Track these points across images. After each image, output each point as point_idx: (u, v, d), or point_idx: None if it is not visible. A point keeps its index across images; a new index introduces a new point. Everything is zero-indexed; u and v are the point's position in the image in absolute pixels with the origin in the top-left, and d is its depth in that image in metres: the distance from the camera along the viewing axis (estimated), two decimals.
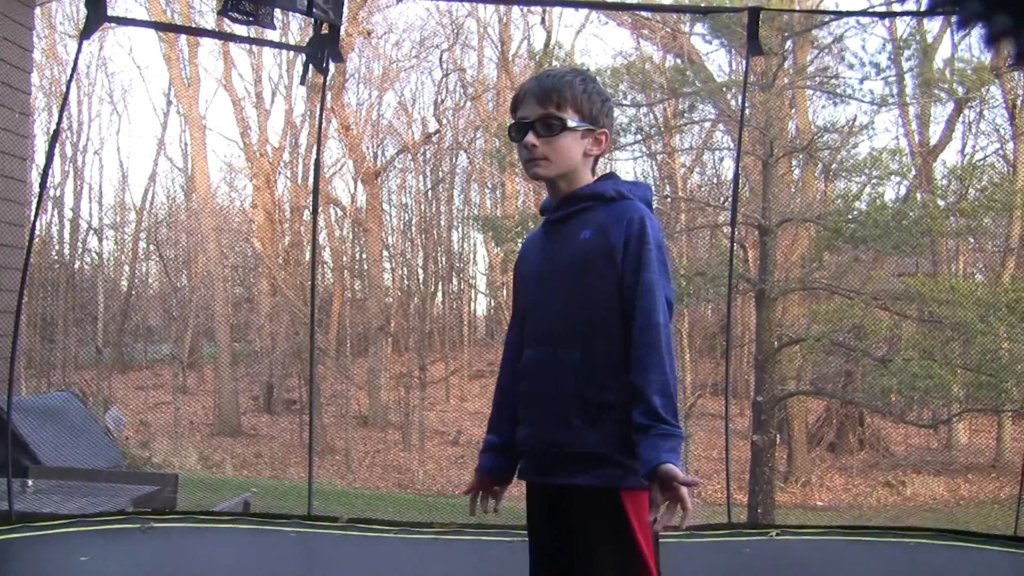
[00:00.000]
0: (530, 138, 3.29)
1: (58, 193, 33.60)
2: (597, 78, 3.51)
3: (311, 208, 13.09)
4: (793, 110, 20.79)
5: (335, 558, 8.06)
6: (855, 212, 17.67)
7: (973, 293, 17.26)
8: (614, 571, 3.11)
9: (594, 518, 3.12)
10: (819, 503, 22.42)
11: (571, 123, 3.28)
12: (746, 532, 9.62)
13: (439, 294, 36.34)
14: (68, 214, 35.14)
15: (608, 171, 3.50)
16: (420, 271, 34.57)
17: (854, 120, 18.38)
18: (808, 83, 19.26)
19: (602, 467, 3.08)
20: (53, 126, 24.92)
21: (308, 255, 25.80)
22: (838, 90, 18.28)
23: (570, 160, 3.33)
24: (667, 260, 3.17)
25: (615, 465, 3.06)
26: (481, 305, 38.20)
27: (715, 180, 24.84)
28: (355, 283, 35.75)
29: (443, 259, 35.71)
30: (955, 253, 24.56)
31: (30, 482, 9.96)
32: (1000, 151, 24.24)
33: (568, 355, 3.16)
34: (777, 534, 9.40)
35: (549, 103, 3.29)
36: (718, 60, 38.85)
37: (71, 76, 11.18)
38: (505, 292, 30.86)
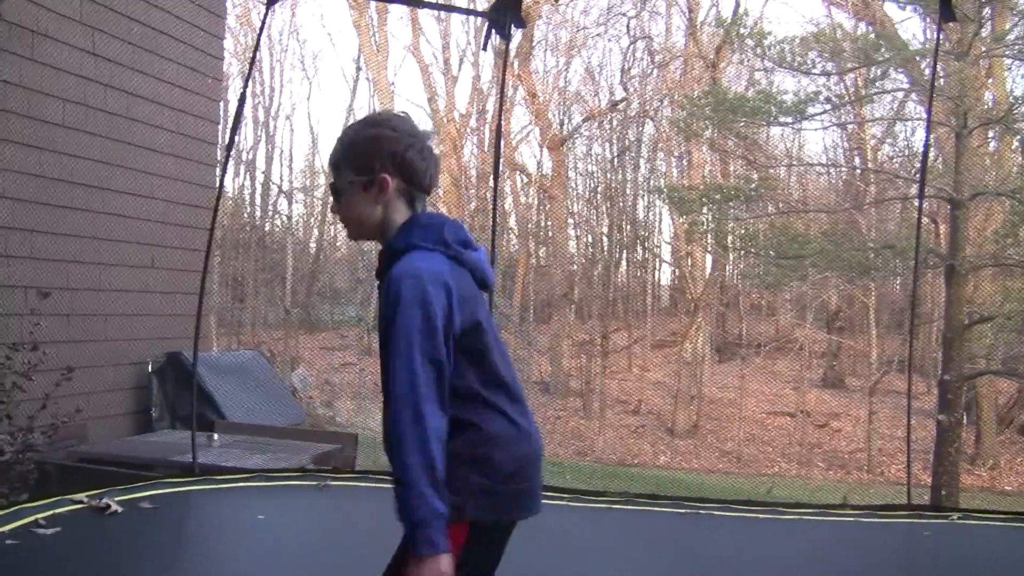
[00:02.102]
0: (332, 208, 3.33)
1: (250, 157, 34.45)
2: (379, 120, 3.33)
3: (493, 173, 13.11)
4: (990, 80, 20.13)
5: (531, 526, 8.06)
6: None
7: None
8: None
9: None
10: (1007, 488, 21.82)
11: (348, 179, 3.23)
12: (926, 514, 9.37)
13: (623, 263, 36.28)
14: (260, 177, 35.96)
15: (416, 214, 3.28)
16: (604, 239, 34.55)
17: None
18: (1007, 51, 18.61)
19: None
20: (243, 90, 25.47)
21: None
22: None
23: (363, 218, 3.26)
24: (430, 315, 2.95)
25: None
26: (665, 274, 38.03)
27: (907, 152, 24.19)
28: (540, 250, 35.88)
29: (627, 227, 35.56)
30: None
31: (215, 436, 10.21)
32: None
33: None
34: (959, 518, 9.15)
35: (333, 170, 3.28)
36: (912, 28, 37.99)
37: (258, 39, 11.39)
38: (690, 261, 30.63)
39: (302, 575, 6.21)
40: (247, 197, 35.99)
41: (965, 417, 19.79)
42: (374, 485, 8.71)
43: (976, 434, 23.30)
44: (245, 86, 15.34)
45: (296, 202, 38.74)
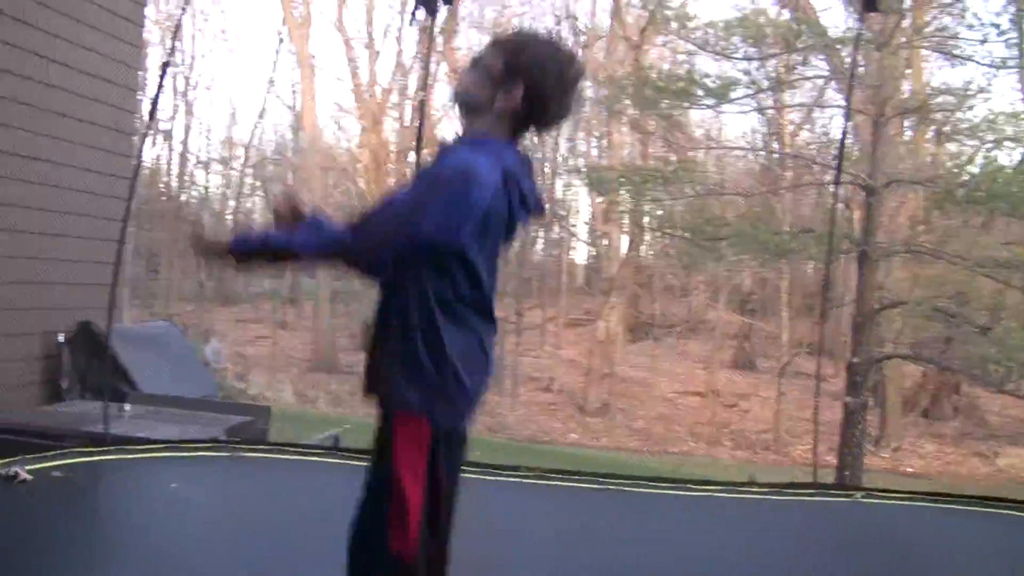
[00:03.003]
0: (462, 69, 3.48)
1: (168, 127, 34.05)
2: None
3: (415, 148, 13.12)
4: (908, 70, 20.41)
5: None
6: (967, 176, 17.37)
7: None
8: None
9: None
10: (909, 469, 22.25)
11: (492, 62, 3.27)
12: (831, 493, 9.57)
13: (539, 241, 36.31)
14: (178, 147, 35.63)
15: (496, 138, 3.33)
16: None
17: (970, 82, 17.99)
18: (925, 43, 18.89)
19: None
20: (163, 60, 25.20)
21: None
22: (956, 51, 17.94)
23: (472, 99, 3.32)
24: (452, 190, 3.03)
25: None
26: (581, 254, 38.18)
27: (824, 138, 24.50)
28: None
29: (545, 206, 35.67)
30: None
31: (127, 407, 10.14)
32: None
33: None
34: (862, 497, 9.34)
35: (493, 46, 3.36)
36: (834, 17, 38.35)
37: (183, 9, 11.31)
38: (607, 241, 30.81)
39: (215, 544, 6.22)
40: (164, 167, 35.65)
41: (871, 400, 20.13)
42: (286, 457, 8.73)
43: (881, 417, 23.70)
44: (169, 55, 15.22)
45: (213, 173, 38.42)
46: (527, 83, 3.20)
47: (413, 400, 3.13)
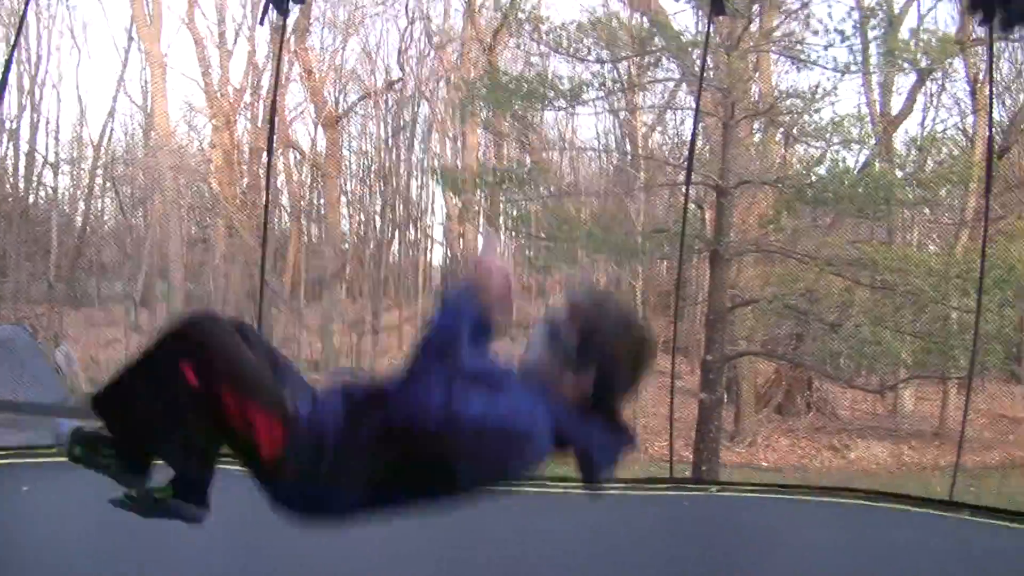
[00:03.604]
0: None
1: (14, 126, 33.23)
2: None
3: (267, 149, 13.07)
4: (757, 73, 20.81)
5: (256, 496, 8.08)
6: (815, 177, 17.76)
7: (926, 263, 17.36)
8: None
9: None
10: (764, 464, 22.66)
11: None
12: (687, 487, 9.76)
13: (395, 242, 36.25)
14: (24, 147, 34.79)
15: None
16: (377, 218, 34.49)
17: (816, 86, 18.39)
18: (773, 47, 19.25)
19: None
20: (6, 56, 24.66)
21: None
22: (802, 55, 18.31)
23: None
24: None
25: None
26: (437, 255, 38.20)
27: (676, 140, 24.88)
28: (312, 228, 35.64)
29: (401, 207, 35.57)
30: (910, 223, 24.75)
31: None
32: (960, 125, 24.41)
33: None
34: (717, 490, 9.54)
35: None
36: (685, 20, 38.96)
37: (26, 6, 11.09)
38: (462, 243, 30.87)
39: (65, 548, 6.16)
40: (9, 168, 34.77)
41: (726, 396, 20.48)
42: None
43: (736, 412, 24.10)
44: (11, 52, 14.88)
45: (62, 174, 37.57)
46: (599, 372, 3.06)
47: None
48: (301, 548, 5.52)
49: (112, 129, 38.93)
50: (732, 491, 9.59)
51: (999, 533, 8.56)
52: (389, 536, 6.63)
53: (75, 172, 35.82)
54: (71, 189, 36.41)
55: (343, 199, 32.89)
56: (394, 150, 34.50)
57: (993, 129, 14.86)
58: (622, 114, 25.02)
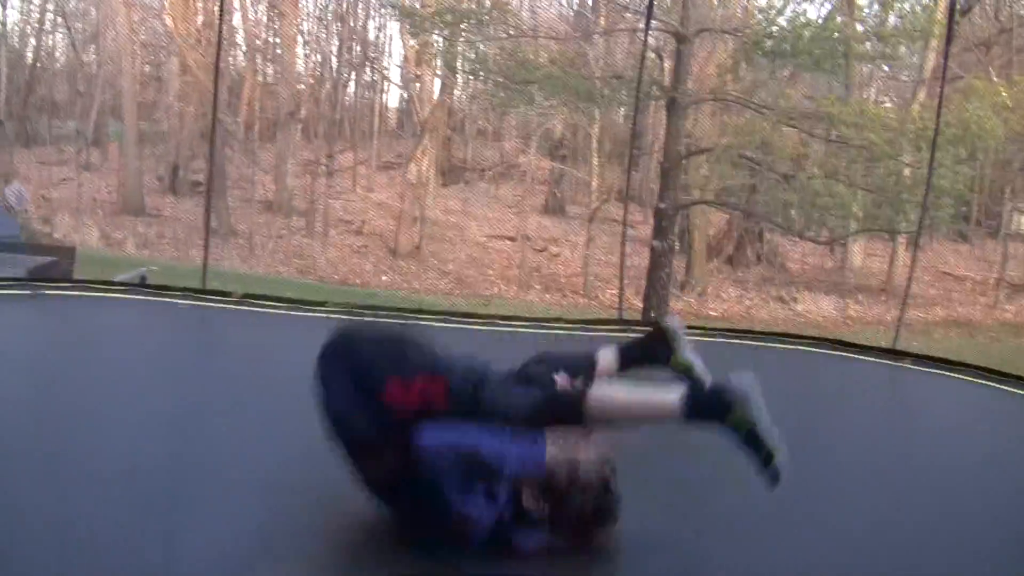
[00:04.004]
0: None
1: None
2: None
3: None
4: None
5: (227, 331, 8.09)
6: (775, 28, 17.61)
7: (881, 118, 17.35)
8: None
9: None
10: (712, 313, 22.84)
11: None
12: (635, 328, 9.78)
13: (352, 83, 35.84)
14: None
15: None
16: (334, 59, 34.05)
17: None
18: None
19: None
20: None
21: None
22: None
23: None
24: None
25: None
26: (393, 97, 37.84)
27: None
28: (267, 68, 35.16)
29: (358, 48, 35.10)
30: (868, 80, 24.70)
31: None
32: None
33: None
34: None
35: None
36: None
37: None
38: (419, 85, 30.57)
39: (15, 377, 6.12)
40: None
41: (677, 245, 20.54)
42: (90, 295, 8.60)
43: (687, 262, 24.23)
44: None
45: (11, 7, 36.76)
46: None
47: None
48: None
49: None
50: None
51: (939, 382, 8.69)
52: None
53: (25, 6, 35.08)
54: (21, 24, 35.70)
55: (299, 39, 32.41)
56: None
57: None
58: None
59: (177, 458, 4.54)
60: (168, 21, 29.80)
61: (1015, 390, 8.35)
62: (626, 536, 3.68)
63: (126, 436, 4.80)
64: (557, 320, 10.00)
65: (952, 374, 8.87)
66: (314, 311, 9.02)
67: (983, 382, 8.60)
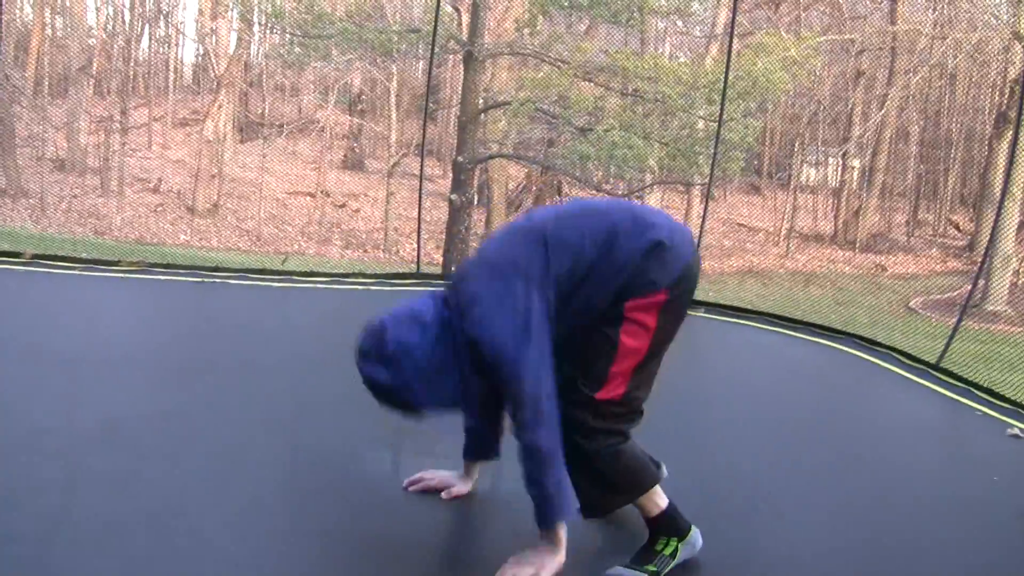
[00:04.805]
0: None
1: None
2: None
3: None
4: None
5: (18, 293, 7.90)
6: None
7: (675, 72, 17.66)
8: None
9: None
10: None
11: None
12: (434, 282, 9.85)
13: (145, 38, 35.09)
14: None
15: None
16: (126, 12, 33.28)
17: None
18: None
19: None
20: None
21: None
22: None
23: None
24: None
25: None
26: (188, 52, 37.19)
27: None
28: (56, 20, 34.18)
29: (151, 1, 34.41)
30: (663, 35, 25.11)
31: None
32: None
33: None
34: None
35: None
36: None
37: None
38: (215, 39, 30.08)
39: None
40: None
41: (476, 199, 20.65)
42: None
43: (487, 216, 24.39)
44: None
45: None
46: None
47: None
48: None
49: None
50: None
51: (731, 329, 8.97)
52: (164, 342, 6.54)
53: None
54: None
55: None
56: None
57: None
58: None
59: None
60: None
61: (803, 336, 8.71)
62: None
63: None
64: (356, 275, 10.02)
65: (745, 322, 9.18)
66: (108, 271, 8.87)
67: (774, 328, 8.93)
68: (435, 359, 3.27)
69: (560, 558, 3.39)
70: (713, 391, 6.66)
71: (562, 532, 3.40)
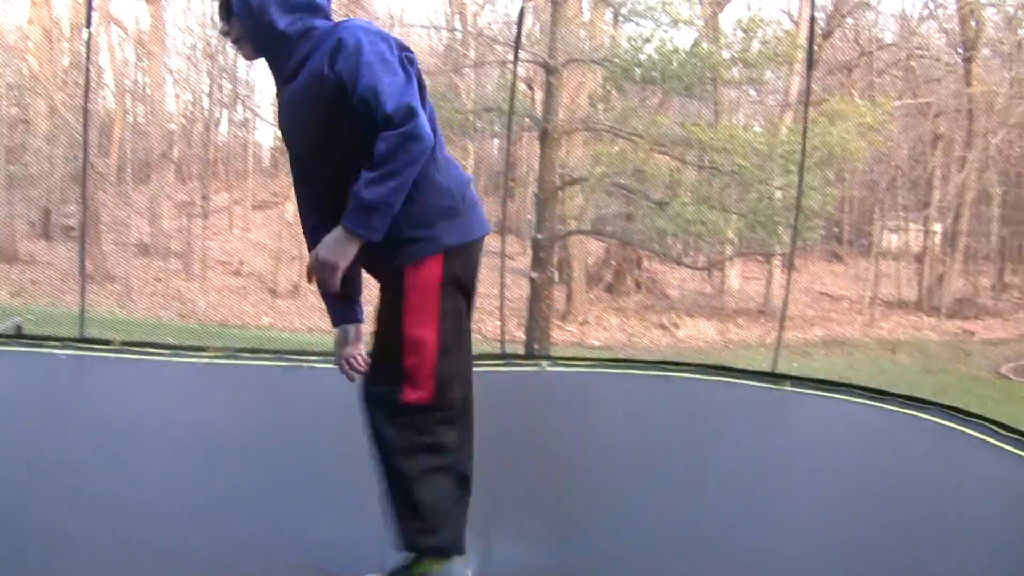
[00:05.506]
0: (221, 27, 3.41)
1: None
2: None
3: (86, 23, 12.66)
4: None
5: (108, 381, 8.00)
6: (643, 56, 17.81)
7: (750, 143, 17.62)
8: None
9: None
10: (595, 342, 22.98)
11: (235, 8, 3.34)
12: (517, 362, 9.85)
13: (223, 122, 35.58)
14: None
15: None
16: (204, 97, 33.78)
17: None
18: None
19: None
20: None
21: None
22: None
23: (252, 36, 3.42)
24: (382, 48, 3.24)
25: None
26: (266, 134, 37.61)
27: (506, 18, 24.74)
28: (137, 108, 34.77)
29: (228, 86, 34.89)
30: (736, 104, 25.11)
31: None
32: (785, 8, 24.82)
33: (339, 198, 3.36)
34: (549, 366, 9.65)
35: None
36: None
37: None
38: None
39: None
40: None
41: (557, 275, 20.66)
42: None
43: (567, 292, 24.36)
44: None
45: None
46: None
47: (431, 247, 3.39)
48: None
49: None
50: (562, 366, 9.73)
51: (819, 403, 8.85)
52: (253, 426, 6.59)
53: None
54: None
55: (169, 77, 32.13)
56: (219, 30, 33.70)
57: (815, 12, 15.00)
58: None
59: (69, 514, 4.48)
60: (33, 62, 29.37)
61: (891, 407, 8.57)
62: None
63: (8, 496, 4.73)
64: None
65: (831, 394, 9.07)
66: (196, 357, 8.97)
67: (861, 400, 8.81)
68: None
69: (340, 254, 3.30)
70: (804, 468, 6.57)
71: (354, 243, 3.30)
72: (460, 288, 3.48)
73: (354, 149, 3.27)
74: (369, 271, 3.58)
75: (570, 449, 6.71)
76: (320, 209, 3.52)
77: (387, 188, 3.17)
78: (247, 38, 3.38)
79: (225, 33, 3.40)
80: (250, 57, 3.46)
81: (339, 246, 3.26)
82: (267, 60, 3.46)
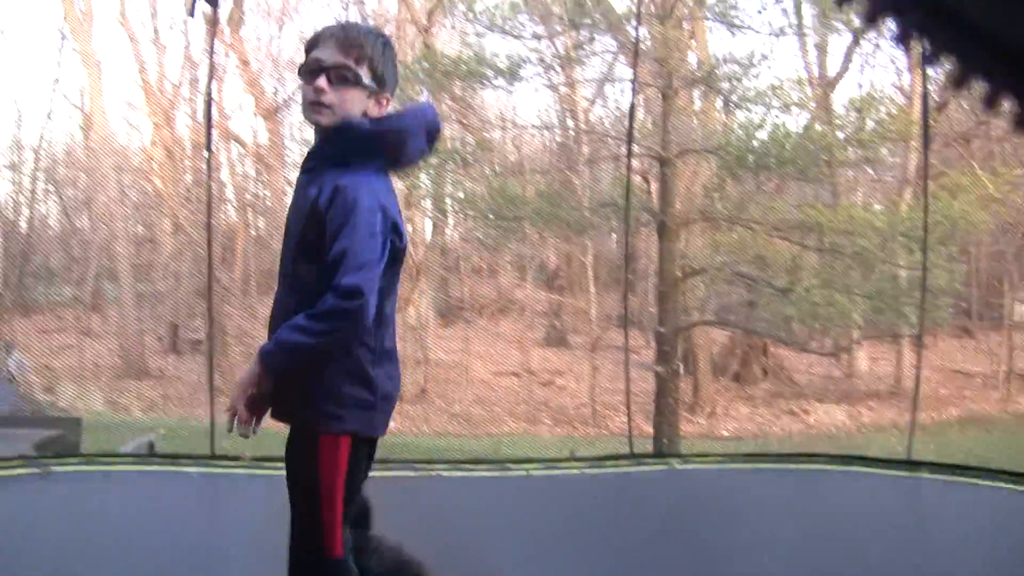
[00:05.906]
0: (321, 82, 3.40)
1: None
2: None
3: (206, 144, 12.99)
4: (692, 41, 20.80)
5: (241, 497, 8.02)
6: (756, 142, 17.76)
7: (871, 222, 17.42)
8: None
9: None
10: (724, 433, 22.71)
11: (365, 80, 3.39)
12: (648, 462, 9.73)
13: None
14: None
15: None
16: None
17: (753, 51, 18.39)
18: (707, 14, 19.24)
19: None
20: None
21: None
22: (736, 21, 18.29)
23: (350, 114, 3.42)
24: (375, 223, 3.28)
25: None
26: None
27: (617, 112, 24.85)
28: (258, 221, 35.39)
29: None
30: (854, 184, 24.87)
31: None
32: (897, 83, 24.59)
33: (288, 300, 3.54)
34: (678, 464, 9.52)
35: (349, 54, 3.39)
36: None
37: None
38: (411, 227, 30.74)
39: (30, 565, 6.03)
40: None
41: (682, 367, 20.49)
42: (100, 468, 8.52)
43: (694, 383, 24.14)
44: None
45: (2, 179, 37.09)
46: (390, 90, 3.57)
47: (336, 426, 3.43)
48: None
49: (51, 131, 38.48)
50: (693, 464, 9.60)
51: (958, 489, 8.60)
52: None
53: (16, 177, 35.44)
54: (14, 194, 36.04)
55: (288, 189, 32.66)
56: None
57: (928, 85, 14.83)
58: (561, 89, 24.97)
59: None
60: (157, 182, 30.08)
61: None
62: None
63: None
64: (568, 459, 9.95)
65: (970, 479, 8.78)
66: None
67: (1003, 485, 8.52)
68: None
69: (251, 379, 3.41)
70: (941, 562, 6.36)
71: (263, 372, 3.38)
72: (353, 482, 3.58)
73: (317, 276, 3.35)
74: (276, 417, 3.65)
75: (704, 550, 6.59)
76: (278, 308, 3.67)
77: (301, 340, 3.28)
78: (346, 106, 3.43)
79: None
80: (322, 123, 3.48)
81: (252, 371, 3.41)
82: (323, 142, 3.52)
